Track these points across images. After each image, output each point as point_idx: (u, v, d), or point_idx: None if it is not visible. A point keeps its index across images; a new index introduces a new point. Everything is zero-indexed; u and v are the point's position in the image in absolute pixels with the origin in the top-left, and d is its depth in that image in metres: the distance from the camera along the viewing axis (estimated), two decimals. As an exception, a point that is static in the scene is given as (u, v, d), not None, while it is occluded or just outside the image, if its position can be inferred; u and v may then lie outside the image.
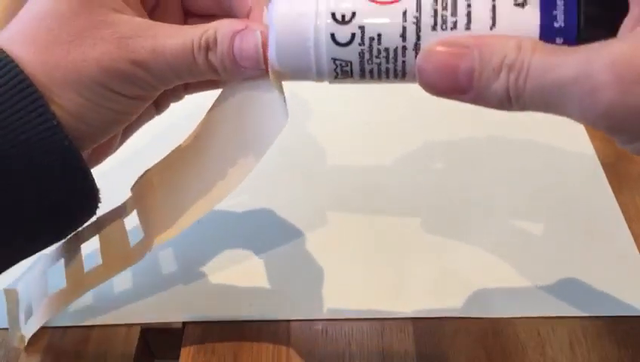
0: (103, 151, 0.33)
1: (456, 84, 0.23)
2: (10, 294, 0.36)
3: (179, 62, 0.28)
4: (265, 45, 0.27)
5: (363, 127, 0.47)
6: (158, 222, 0.32)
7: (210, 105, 0.32)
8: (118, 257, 0.33)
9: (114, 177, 0.33)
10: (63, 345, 0.35)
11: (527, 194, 0.42)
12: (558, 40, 0.24)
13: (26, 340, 0.34)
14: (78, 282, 0.33)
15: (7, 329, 0.35)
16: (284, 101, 0.28)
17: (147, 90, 0.29)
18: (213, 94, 0.33)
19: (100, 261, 0.33)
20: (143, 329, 0.36)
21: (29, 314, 0.35)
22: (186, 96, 0.35)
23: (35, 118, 0.26)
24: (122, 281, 0.37)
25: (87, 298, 0.37)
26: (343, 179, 0.44)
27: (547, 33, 0.24)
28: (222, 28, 0.28)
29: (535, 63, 0.22)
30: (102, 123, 0.29)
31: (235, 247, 0.39)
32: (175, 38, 0.28)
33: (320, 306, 0.36)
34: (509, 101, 0.23)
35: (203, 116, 0.33)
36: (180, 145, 0.34)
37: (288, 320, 0.36)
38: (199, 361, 0.34)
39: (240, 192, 0.42)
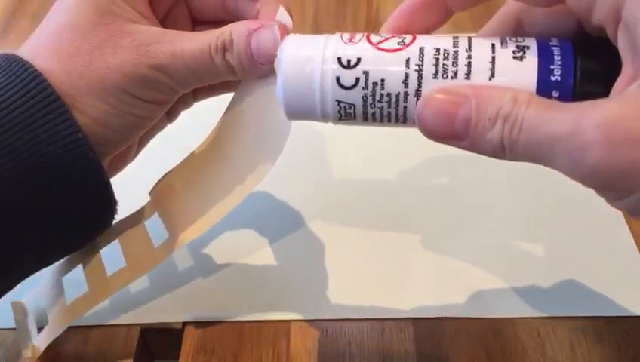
0: (121, 161, 0.34)
1: (453, 131, 0.24)
2: (18, 306, 0.36)
3: (198, 65, 0.29)
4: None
5: (365, 128, 0.47)
6: (183, 222, 0.33)
7: (224, 111, 0.33)
8: (142, 258, 0.33)
9: (126, 183, 0.33)
10: (63, 345, 0.35)
11: (527, 194, 0.42)
12: (554, 93, 0.24)
13: (41, 350, 0.34)
14: (102, 286, 0.33)
15: (6, 329, 0.35)
16: None
17: (167, 93, 0.30)
18: (217, 100, 0.34)
19: (121, 264, 0.33)
20: (143, 330, 0.36)
21: (41, 323, 0.35)
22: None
23: (61, 131, 0.27)
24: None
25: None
26: (344, 179, 0.44)
27: (544, 87, 0.24)
28: (237, 28, 0.29)
29: (529, 117, 0.22)
30: (125, 128, 0.30)
31: (235, 247, 0.39)
32: (192, 42, 0.29)
33: (320, 306, 0.36)
34: (503, 151, 0.23)
35: (207, 121, 0.34)
36: (198, 149, 0.34)
37: (288, 320, 0.36)
38: (199, 361, 0.34)
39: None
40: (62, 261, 0.35)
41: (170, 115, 0.35)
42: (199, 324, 0.36)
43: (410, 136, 0.47)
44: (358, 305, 0.36)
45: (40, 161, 0.27)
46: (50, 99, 0.27)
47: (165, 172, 0.35)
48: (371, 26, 0.58)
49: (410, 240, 0.40)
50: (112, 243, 0.35)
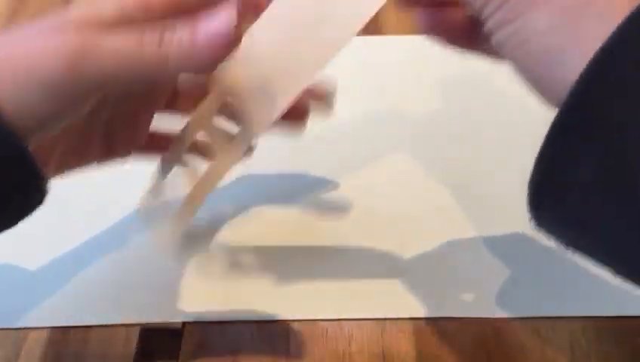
0: (129, 143, 0.34)
1: None
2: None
3: (128, 53, 0.27)
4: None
5: (363, 124, 0.47)
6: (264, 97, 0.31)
7: None
8: (224, 150, 0.33)
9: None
10: (63, 345, 0.35)
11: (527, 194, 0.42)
12: None
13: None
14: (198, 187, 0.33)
15: (6, 329, 0.35)
16: None
17: (84, 94, 0.27)
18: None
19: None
20: (143, 329, 0.36)
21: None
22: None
23: None
24: (122, 281, 0.37)
25: (87, 298, 0.37)
26: (344, 178, 0.44)
27: None
28: (176, 23, 0.28)
29: None
30: (44, 120, 0.27)
31: (235, 247, 0.39)
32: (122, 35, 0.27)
33: (320, 306, 0.36)
34: None
35: None
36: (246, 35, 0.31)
37: (288, 320, 0.36)
38: (199, 361, 0.34)
39: (239, 191, 0.43)
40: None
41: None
42: (199, 324, 0.36)
43: (411, 133, 0.47)
44: (358, 305, 0.36)
45: None
46: None
47: None
48: (371, 27, 0.58)
49: (411, 239, 0.40)
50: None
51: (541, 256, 0.39)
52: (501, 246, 0.39)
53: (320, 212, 0.41)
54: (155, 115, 0.35)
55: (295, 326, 0.36)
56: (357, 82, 0.51)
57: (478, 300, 0.36)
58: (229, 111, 0.33)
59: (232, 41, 0.27)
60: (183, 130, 0.34)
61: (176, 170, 0.35)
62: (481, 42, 0.30)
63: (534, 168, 0.24)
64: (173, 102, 0.36)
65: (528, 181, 0.24)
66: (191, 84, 0.35)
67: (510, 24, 0.24)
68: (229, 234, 0.40)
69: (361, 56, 0.54)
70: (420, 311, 0.36)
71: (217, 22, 0.27)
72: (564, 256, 0.38)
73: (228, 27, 0.27)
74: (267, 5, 0.31)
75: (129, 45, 0.27)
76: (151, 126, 0.35)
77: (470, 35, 0.30)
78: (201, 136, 0.34)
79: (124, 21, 0.27)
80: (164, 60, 0.27)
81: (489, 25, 0.25)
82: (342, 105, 0.49)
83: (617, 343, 0.34)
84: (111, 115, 0.33)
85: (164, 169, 0.35)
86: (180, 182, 0.34)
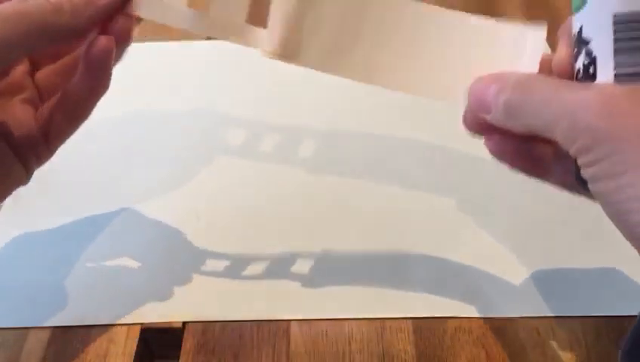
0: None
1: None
2: None
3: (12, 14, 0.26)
4: None
5: (363, 125, 0.47)
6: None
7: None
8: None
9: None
10: (63, 345, 0.35)
11: (527, 194, 0.42)
12: None
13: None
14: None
15: (6, 328, 0.35)
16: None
17: None
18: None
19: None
20: (143, 329, 0.36)
21: None
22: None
23: None
24: (122, 281, 0.37)
25: (87, 298, 0.37)
26: (343, 177, 0.44)
27: None
28: None
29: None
30: None
31: (235, 247, 0.39)
32: None
33: (320, 306, 0.36)
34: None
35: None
36: None
37: (288, 320, 0.36)
38: (199, 361, 0.34)
39: (239, 191, 0.43)
40: None
41: (26, 167, 0.31)
42: (199, 324, 0.36)
43: (410, 133, 0.47)
44: (358, 305, 0.36)
45: None
46: None
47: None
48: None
49: (411, 239, 0.40)
50: None
51: (541, 256, 0.39)
52: (501, 246, 0.39)
53: (320, 211, 0.41)
54: None
55: (295, 326, 0.36)
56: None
57: (478, 300, 0.36)
58: None
59: None
60: None
61: None
62: (553, 174, 0.31)
63: (628, 338, 0.26)
64: None
65: (624, 346, 0.26)
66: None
67: (611, 179, 0.23)
68: (229, 234, 0.40)
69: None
70: (420, 311, 0.36)
71: None
72: (563, 257, 0.39)
73: None
74: None
75: (14, 5, 0.26)
76: None
77: (541, 167, 0.31)
78: None
79: None
80: (58, 7, 0.27)
81: (585, 174, 0.24)
82: (342, 104, 0.49)
83: (617, 342, 0.34)
84: None
85: None
86: None
